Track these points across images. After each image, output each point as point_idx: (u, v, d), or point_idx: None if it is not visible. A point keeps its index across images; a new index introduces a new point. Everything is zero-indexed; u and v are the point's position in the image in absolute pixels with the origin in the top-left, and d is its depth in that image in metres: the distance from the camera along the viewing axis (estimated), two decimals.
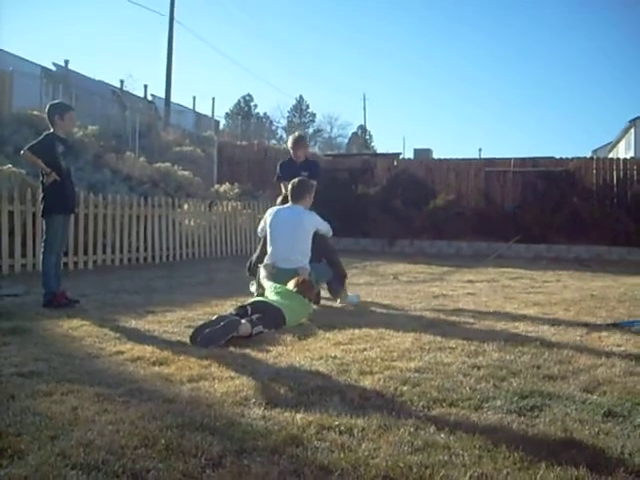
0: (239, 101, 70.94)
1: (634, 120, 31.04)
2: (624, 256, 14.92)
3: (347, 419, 2.92)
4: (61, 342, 4.64)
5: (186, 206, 13.15)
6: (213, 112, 32.70)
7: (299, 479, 2.33)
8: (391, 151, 28.79)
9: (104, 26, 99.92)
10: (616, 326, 5.50)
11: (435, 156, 23.20)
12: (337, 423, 2.86)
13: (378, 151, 43.47)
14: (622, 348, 4.62)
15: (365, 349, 4.45)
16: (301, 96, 73.76)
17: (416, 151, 25.49)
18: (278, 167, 7.90)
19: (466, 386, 3.54)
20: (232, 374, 3.71)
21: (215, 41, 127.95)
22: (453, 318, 5.95)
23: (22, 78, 17.70)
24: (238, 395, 3.29)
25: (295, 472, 2.37)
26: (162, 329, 5.13)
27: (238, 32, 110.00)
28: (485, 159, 18.54)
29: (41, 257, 6.40)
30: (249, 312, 5.11)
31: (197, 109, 33.84)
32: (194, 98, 34.36)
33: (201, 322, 4.95)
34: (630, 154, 28.56)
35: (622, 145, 34.95)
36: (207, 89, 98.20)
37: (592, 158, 18.15)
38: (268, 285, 5.95)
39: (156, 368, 3.87)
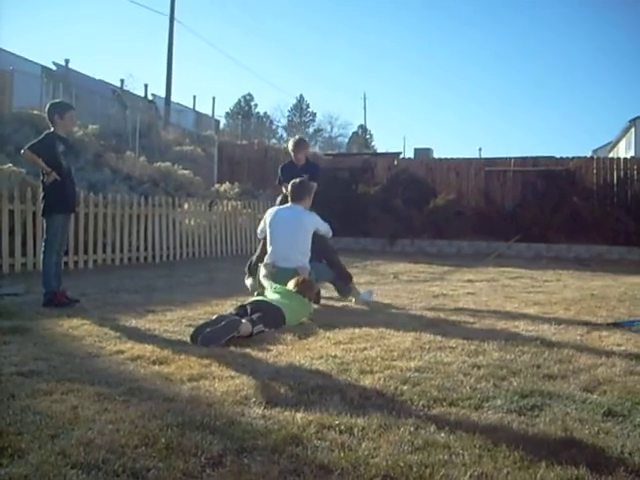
0: (239, 100, 70.93)
1: (634, 120, 31.05)
2: (624, 255, 14.92)
3: (347, 418, 2.92)
4: (61, 341, 4.64)
5: (186, 205, 13.15)
6: (213, 111, 32.79)
7: (299, 478, 2.33)
8: (391, 150, 28.83)
9: (104, 25, 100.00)
10: (616, 325, 5.51)
11: (435, 155, 23.23)
12: (337, 422, 2.86)
13: (378, 150, 43.47)
14: (622, 347, 4.62)
15: (365, 348, 4.45)
16: (301, 95, 73.75)
17: (416, 150, 25.49)
18: (279, 170, 7.94)
19: (466, 385, 3.54)
20: (232, 373, 3.71)
21: (215, 40, 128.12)
22: (453, 317, 5.95)
23: (22, 77, 17.71)
24: (238, 394, 3.29)
25: (295, 471, 2.37)
26: (162, 328, 5.13)
27: (238, 31, 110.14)
28: (485, 159, 18.56)
29: (41, 256, 6.40)
30: (249, 311, 5.11)
31: (197, 108, 33.94)
32: (194, 97, 34.59)
33: (202, 321, 4.95)
34: (630, 154, 28.56)
35: (622, 145, 34.96)
36: (207, 88, 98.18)
37: (592, 158, 18.16)
38: (267, 284, 5.96)
39: (156, 367, 3.87)
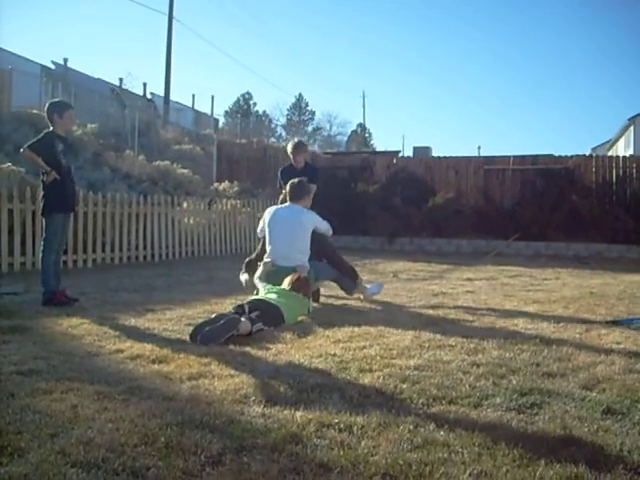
0: (238, 99, 70.82)
1: (633, 118, 31.04)
2: (623, 254, 14.93)
3: (347, 417, 2.93)
4: (60, 340, 4.64)
5: (185, 204, 13.14)
6: (212, 110, 32.84)
7: (299, 477, 2.33)
8: (390, 149, 28.76)
9: (103, 24, 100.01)
10: (615, 323, 5.51)
11: (434, 154, 23.16)
12: (337, 421, 2.87)
13: (377, 149, 43.45)
14: (621, 345, 4.62)
15: (365, 347, 4.46)
16: (300, 94, 73.66)
17: (415, 149, 25.45)
18: (279, 173, 7.99)
19: (465, 384, 3.54)
20: (232, 372, 3.71)
21: (214, 39, 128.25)
22: (452, 316, 5.96)
23: (21, 77, 17.69)
24: (238, 393, 3.29)
25: (295, 470, 2.37)
26: (162, 327, 5.13)
27: (237, 30, 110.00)
28: (484, 157, 18.52)
29: (40, 255, 6.40)
30: (247, 311, 5.12)
31: (196, 107, 33.94)
32: (193, 96, 34.42)
33: (201, 320, 4.95)
34: (629, 152, 28.55)
35: (621, 143, 34.95)
36: (206, 87, 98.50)
37: (591, 156, 18.13)
38: (262, 286, 5.97)
39: (156, 366, 3.88)
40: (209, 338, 4.48)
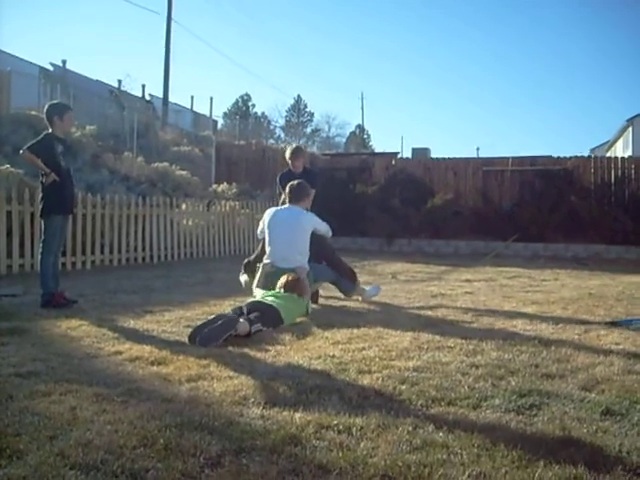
0: (237, 101, 70.77)
1: (632, 119, 31.05)
2: (622, 255, 14.94)
3: (346, 418, 2.93)
4: (59, 342, 4.63)
5: (184, 206, 13.14)
6: (211, 112, 32.81)
7: (298, 478, 2.33)
8: (389, 150, 28.80)
9: (102, 26, 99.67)
10: (614, 324, 5.52)
11: (433, 155, 23.16)
12: (336, 422, 2.87)
13: (376, 150, 43.38)
14: (620, 346, 4.63)
15: (364, 348, 4.46)
16: (299, 95, 73.65)
17: (414, 150, 25.45)
18: (278, 179, 8.02)
19: (464, 385, 3.54)
20: (231, 373, 3.71)
21: (213, 40, 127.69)
22: (451, 317, 5.96)
23: (20, 78, 17.67)
24: (237, 394, 3.29)
25: (294, 471, 2.37)
26: (160, 329, 5.13)
27: (236, 31, 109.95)
28: (483, 158, 18.54)
29: (39, 257, 6.39)
30: (245, 312, 5.12)
31: (195, 109, 33.91)
32: (192, 98, 34.37)
33: (200, 322, 4.95)
34: (628, 153, 28.56)
35: (620, 144, 34.97)
36: (205, 89, 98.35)
37: (590, 157, 18.17)
38: (260, 294, 5.97)
39: (154, 368, 3.87)
40: (208, 339, 4.49)
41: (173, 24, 28.43)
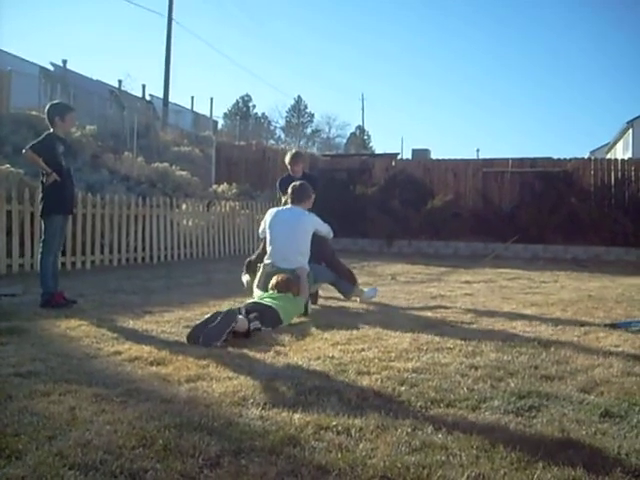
0: (237, 101, 70.85)
1: (632, 121, 31.06)
2: (621, 257, 14.95)
3: (345, 419, 2.93)
4: (59, 342, 4.63)
5: (184, 206, 13.14)
6: (211, 112, 32.84)
7: (297, 479, 2.33)
8: (389, 151, 28.85)
9: (102, 26, 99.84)
10: (613, 326, 5.51)
11: (433, 156, 23.18)
12: (335, 423, 2.87)
13: (376, 151, 43.52)
14: (619, 348, 4.63)
15: (363, 349, 4.46)
16: (299, 96, 73.72)
17: (414, 151, 25.46)
18: (277, 184, 8.08)
19: (464, 386, 3.54)
20: (230, 374, 3.71)
21: (213, 41, 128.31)
22: (451, 318, 5.96)
23: (20, 78, 17.68)
24: (236, 395, 3.29)
25: (293, 472, 2.37)
26: (160, 329, 5.13)
27: (237, 32, 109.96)
28: (483, 159, 18.54)
29: (39, 257, 6.38)
30: (243, 313, 5.11)
31: (195, 109, 33.93)
32: (192, 98, 34.36)
33: (197, 321, 4.95)
34: (628, 155, 28.57)
35: (620, 146, 34.98)
36: (205, 89, 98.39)
37: (590, 159, 18.20)
38: (259, 294, 5.98)
39: (154, 368, 3.87)
40: (210, 338, 4.49)
41: (174, 24, 28.46)
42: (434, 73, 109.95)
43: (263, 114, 69.15)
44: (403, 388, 3.49)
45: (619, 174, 16.03)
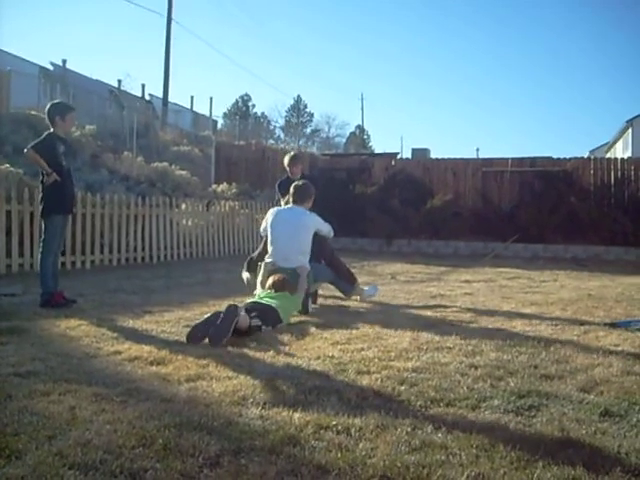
0: (237, 101, 70.84)
1: (631, 120, 31.07)
2: (621, 256, 14.95)
3: (344, 419, 2.92)
4: (58, 342, 4.63)
5: (184, 206, 13.14)
6: (211, 112, 32.87)
7: (296, 479, 2.33)
8: (389, 151, 28.86)
9: (102, 25, 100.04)
10: (613, 326, 5.52)
11: (433, 156, 23.19)
12: (334, 423, 2.87)
13: (376, 151, 43.54)
14: (619, 348, 4.63)
15: (363, 349, 4.46)
16: (299, 96, 73.74)
17: (414, 151, 25.49)
18: (277, 187, 8.16)
19: (463, 386, 3.54)
20: (230, 374, 3.71)
21: (213, 40, 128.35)
22: (451, 318, 5.96)
23: (20, 78, 17.70)
24: (236, 395, 3.29)
25: (292, 472, 2.37)
26: (160, 329, 5.13)
27: (236, 32, 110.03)
28: (483, 159, 18.54)
29: (39, 257, 6.38)
30: (243, 312, 5.12)
31: (195, 109, 33.97)
32: (192, 98, 34.39)
33: (197, 321, 4.95)
34: (627, 154, 28.57)
35: (619, 145, 34.99)
36: (205, 89, 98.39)
37: (589, 158, 18.20)
38: (257, 292, 5.99)
39: (154, 368, 3.87)
40: (218, 336, 4.51)
41: (173, 24, 28.47)
42: (434, 73, 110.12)
43: (263, 114, 69.21)
44: (403, 387, 3.49)
45: (619, 173, 16.02)
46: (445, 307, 6.65)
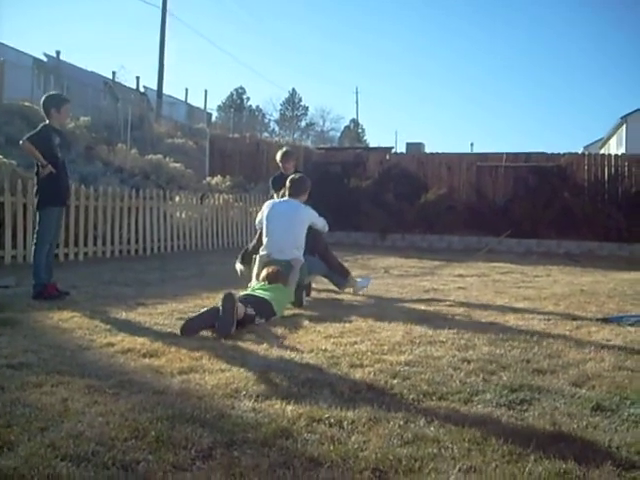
0: (231, 94, 70.59)
1: (625, 116, 31.18)
2: (614, 252, 14.99)
3: (337, 412, 2.93)
4: (51, 334, 4.62)
5: (177, 198, 13.11)
6: (205, 104, 32.70)
7: (289, 471, 2.33)
8: (383, 145, 28.77)
9: (97, 18, 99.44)
10: (605, 321, 5.54)
11: (427, 150, 23.22)
12: (327, 416, 2.87)
13: (370, 145, 43.46)
14: (611, 343, 4.64)
15: (356, 342, 4.47)
16: (294, 89, 73.48)
17: (408, 145, 25.42)
18: (270, 183, 8.22)
19: (456, 379, 3.55)
20: (223, 366, 3.71)
21: (208, 33, 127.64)
22: (444, 312, 5.98)
23: (13, 69, 17.59)
24: (229, 387, 3.29)
25: (285, 464, 2.38)
26: (153, 321, 5.13)
27: (231, 24, 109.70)
28: (477, 153, 18.56)
29: (33, 249, 6.37)
30: None
31: (189, 101, 33.80)
32: (186, 90, 34.35)
33: (192, 314, 4.95)
34: (621, 150, 28.67)
35: (613, 141, 35.09)
36: (199, 81, 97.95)
37: (584, 154, 18.20)
38: (252, 284, 6.01)
39: (147, 360, 3.87)
40: (224, 327, 4.57)
41: (168, 16, 28.28)
42: (428, 67, 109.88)
43: (257, 107, 69.05)
44: (395, 381, 3.49)
45: (612, 169, 16.05)
46: (438, 301, 6.67)
